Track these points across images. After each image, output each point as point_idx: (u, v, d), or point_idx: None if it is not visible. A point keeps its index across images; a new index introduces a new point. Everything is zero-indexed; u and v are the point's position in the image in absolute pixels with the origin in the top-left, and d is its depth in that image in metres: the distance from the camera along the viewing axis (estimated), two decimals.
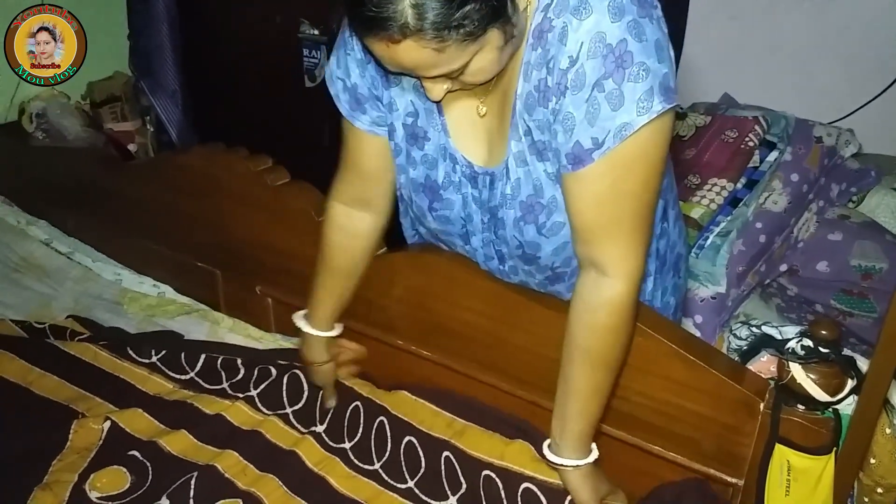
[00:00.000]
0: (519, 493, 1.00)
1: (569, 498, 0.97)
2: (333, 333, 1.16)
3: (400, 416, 1.12)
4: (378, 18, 0.69)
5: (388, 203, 1.08)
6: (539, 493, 0.99)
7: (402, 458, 1.10)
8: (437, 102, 0.81)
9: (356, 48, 0.93)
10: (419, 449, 1.09)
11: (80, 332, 1.43)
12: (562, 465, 0.94)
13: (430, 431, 1.09)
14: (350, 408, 1.16)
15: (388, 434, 1.12)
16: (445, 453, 1.06)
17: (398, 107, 0.94)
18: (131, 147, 2.17)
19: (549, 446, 0.96)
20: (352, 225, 1.08)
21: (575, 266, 0.98)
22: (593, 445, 0.94)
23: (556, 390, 0.93)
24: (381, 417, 1.13)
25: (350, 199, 1.07)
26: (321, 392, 1.19)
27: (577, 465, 0.93)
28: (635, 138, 0.77)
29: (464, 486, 1.05)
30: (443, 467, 1.07)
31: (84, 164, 1.70)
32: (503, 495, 1.01)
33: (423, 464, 1.08)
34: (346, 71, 0.95)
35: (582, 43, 0.75)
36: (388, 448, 1.12)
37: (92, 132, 1.96)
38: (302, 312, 1.16)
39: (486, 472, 1.03)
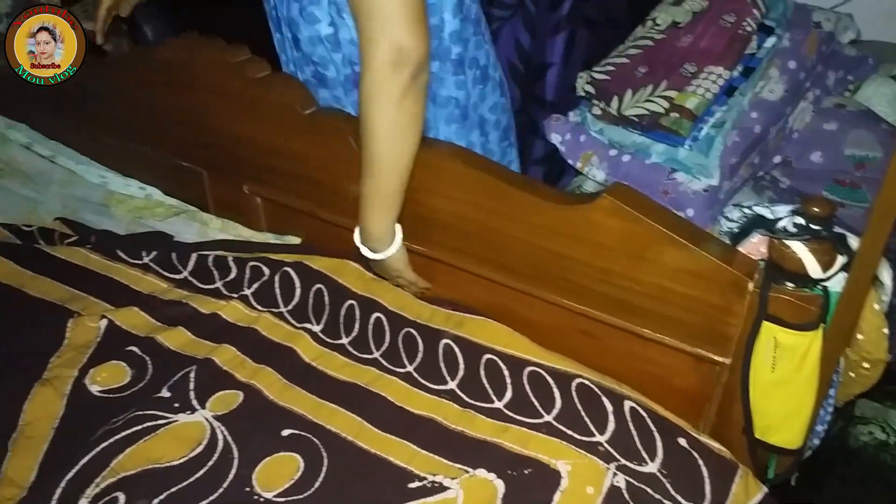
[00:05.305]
0: (525, 375, 1.02)
1: (576, 381, 0.99)
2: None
3: (396, 310, 1.13)
4: None
5: None
6: (546, 375, 1.01)
7: (401, 347, 1.12)
8: None
9: None
10: (418, 338, 1.11)
11: (68, 234, 1.42)
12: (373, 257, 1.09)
13: (428, 324, 1.10)
14: (345, 306, 1.17)
15: (387, 328, 1.13)
16: (445, 341, 1.08)
17: None
18: (107, 48, 2.08)
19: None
20: None
21: (338, 74, 1.13)
22: (398, 236, 1.08)
23: (547, 279, 0.93)
24: (378, 314, 1.14)
25: None
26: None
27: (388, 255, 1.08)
28: None
29: (462, 369, 1.07)
30: (441, 353, 1.09)
31: None
32: (507, 377, 1.04)
33: (421, 350, 1.10)
34: None
35: None
36: (387, 339, 1.13)
37: None
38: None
39: (487, 355, 1.05)
